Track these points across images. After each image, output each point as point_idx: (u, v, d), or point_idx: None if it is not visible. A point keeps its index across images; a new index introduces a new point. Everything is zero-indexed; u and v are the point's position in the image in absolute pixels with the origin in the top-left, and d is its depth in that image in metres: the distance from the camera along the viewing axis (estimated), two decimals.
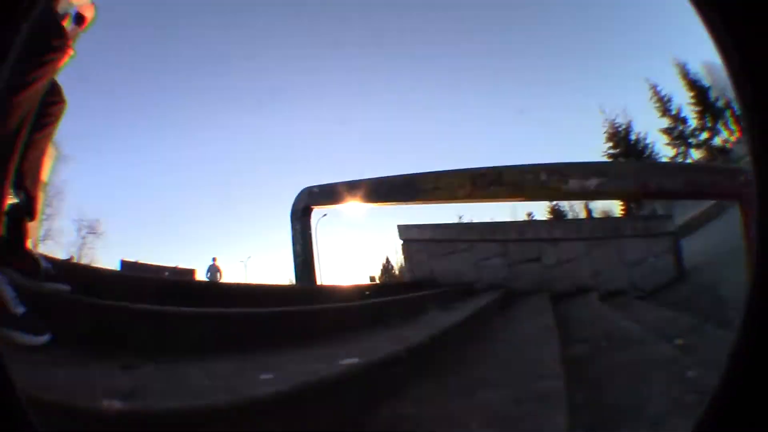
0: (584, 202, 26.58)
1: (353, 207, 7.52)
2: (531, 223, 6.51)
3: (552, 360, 2.28)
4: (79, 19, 1.97)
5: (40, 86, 1.48)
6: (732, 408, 0.61)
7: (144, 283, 2.88)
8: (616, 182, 3.48)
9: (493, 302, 4.55)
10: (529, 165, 3.63)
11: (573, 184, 3.43)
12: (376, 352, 2.09)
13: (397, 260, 46.01)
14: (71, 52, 1.70)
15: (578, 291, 5.99)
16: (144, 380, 1.36)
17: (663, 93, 44.93)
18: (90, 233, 30.02)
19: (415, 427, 1.56)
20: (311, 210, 7.66)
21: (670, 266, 6.49)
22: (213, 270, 22.04)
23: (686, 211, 9.82)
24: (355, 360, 1.81)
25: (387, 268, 50.49)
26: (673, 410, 1.74)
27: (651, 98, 43.98)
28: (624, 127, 38.60)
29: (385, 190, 6.88)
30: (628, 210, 18.59)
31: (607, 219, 6.72)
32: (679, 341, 3.08)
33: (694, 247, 9.18)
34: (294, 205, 7.63)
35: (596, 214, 25.09)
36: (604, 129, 38.74)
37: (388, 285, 7.86)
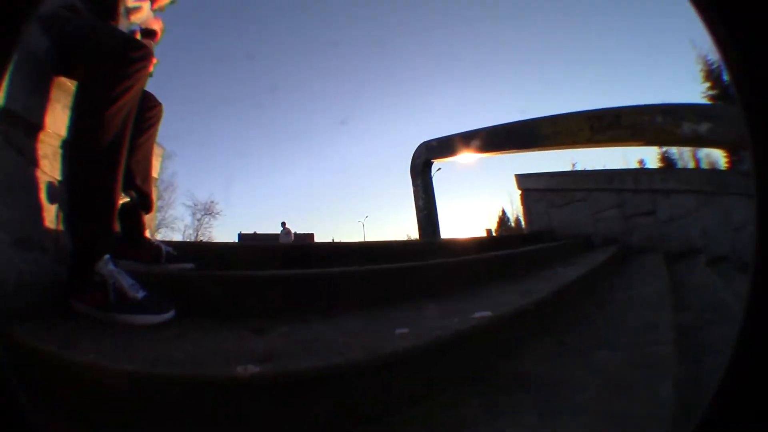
0: (692, 150, 24.72)
1: (471, 158, 7.55)
2: (645, 171, 6.08)
3: (665, 327, 2.20)
4: (149, 33, 2.12)
5: (130, 98, 1.55)
6: (733, 410, 0.61)
7: (264, 251, 3.04)
8: (728, 127, 3.15)
9: (610, 259, 4.38)
10: (644, 105, 3.35)
11: (686, 128, 3.16)
12: (505, 305, 2.11)
13: (513, 212, 45.70)
14: (154, 61, 1.79)
15: (688, 251, 5.61)
16: (278, 343, 1.44)
17: None
18: (206, 215, 32.06)
19: (536, 384, 1.56)
20: (431, 164, 7.78)
21: None
22: (284, 233, 22.94)
23: None
24: (487, 313, 1.82)
25: (503, 219, 50.11)
26: None
27: None
28: (717, 64, 36.55)
29: (503, 137, 6.84)
30: (732, 163, 16.81)
31: (716, 171, 6.21)
32: None
33: None
34: (413, 160, 7.82)
35: (704, 165, 23.16)
36: (699, 67, 35.65)
37: (508, 237, 7.79)
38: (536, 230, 6.83)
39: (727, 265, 5.31)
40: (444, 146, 7.73)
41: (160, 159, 2.51)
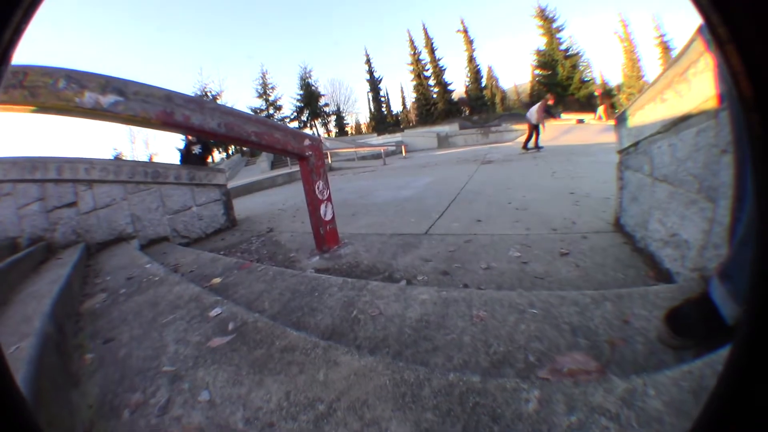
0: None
1: None
2: (69, 160, 5.43)
3: (42, 314, 1.95)
4: None
5: None
6: (731, 409, 0.59)
7: None
8: (138, 104, 3.08)
9: (21, 260, 3.70)
10: (54, 67, 2.85)
11: (89, 98, 2.88)
12: None
13: None
14: None
15: (118, 239, 5.53)
16: None
17: (270, 80, 50.64)
18: None
19: None
20: None
21: (219, 216, 6.84)
22: None
23: None
24: None
25: None
26: (197, 356, 1.65)
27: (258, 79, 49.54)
28: (214, 93, 48.50)
29: None
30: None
31: (149, 163, 6.33)
32: (215, 280, 3.13)
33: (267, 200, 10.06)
34: None
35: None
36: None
37: None
38: None
39: (167, 243, 5.73)
40: None
41: None
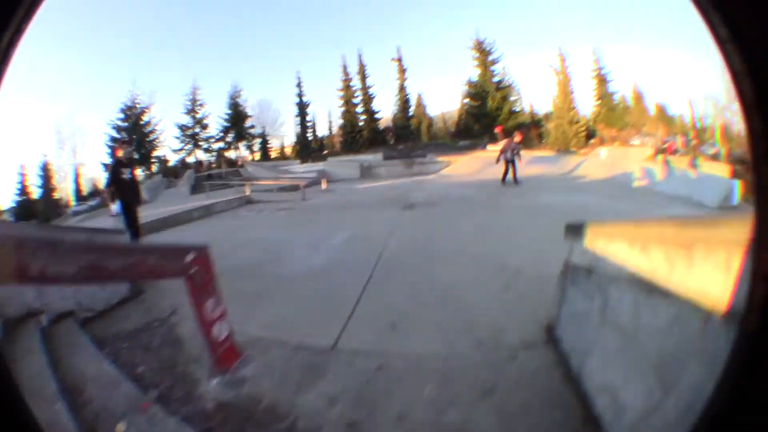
0: None
1: None
2: None
3: None
4: None
5: None
6: (729, 411, 0.63)
7: None
8: None
9: None
10: None
11: None
12: None
13: None
14: None
15: (28, 314, 4.88)
16: None
17: (199, 96, 48.32)
18: None
19: None
20: None
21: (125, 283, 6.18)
22: None
23: None
24: None
25: None
26: None
27: (188, 95, 46.96)
28: (143, 106, 46.08)
29: None
30: None
31: (50, 226, 5.72)
32: (119, 428, 2.88)
33: None
34: None
35: None
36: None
37: None
38: None
39: (71, 323, 5.16)
40: None
41: None
